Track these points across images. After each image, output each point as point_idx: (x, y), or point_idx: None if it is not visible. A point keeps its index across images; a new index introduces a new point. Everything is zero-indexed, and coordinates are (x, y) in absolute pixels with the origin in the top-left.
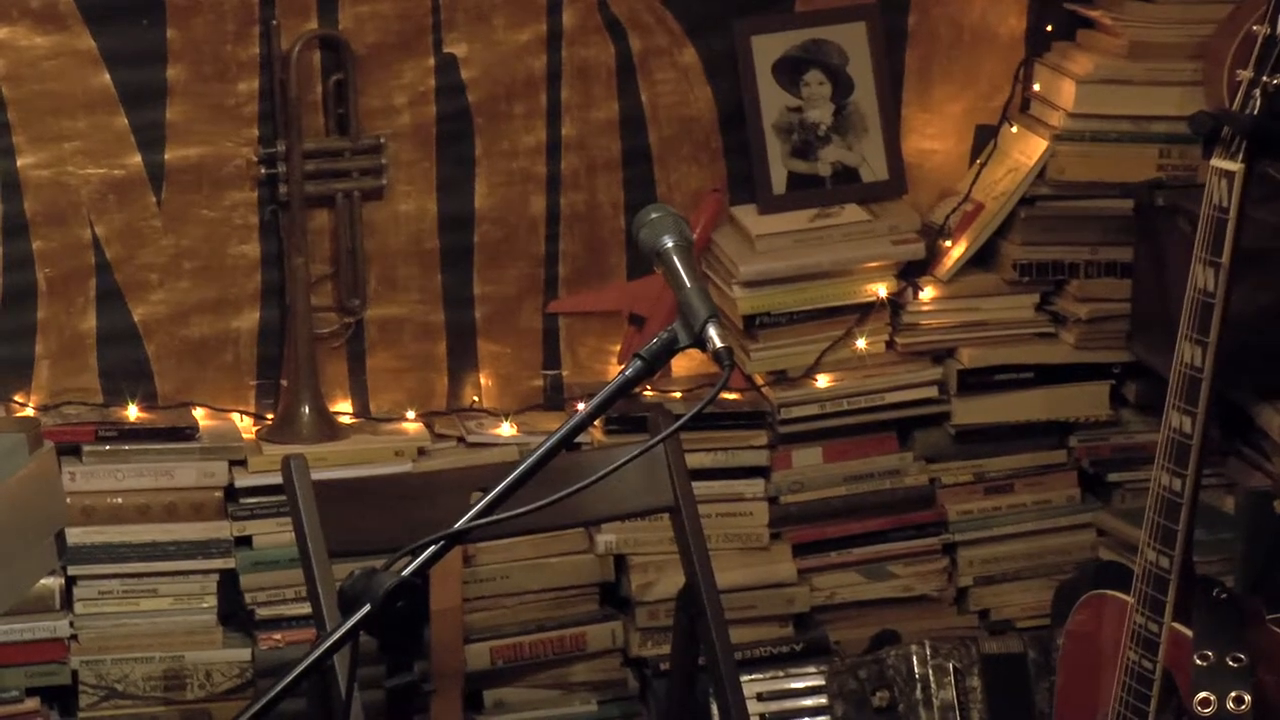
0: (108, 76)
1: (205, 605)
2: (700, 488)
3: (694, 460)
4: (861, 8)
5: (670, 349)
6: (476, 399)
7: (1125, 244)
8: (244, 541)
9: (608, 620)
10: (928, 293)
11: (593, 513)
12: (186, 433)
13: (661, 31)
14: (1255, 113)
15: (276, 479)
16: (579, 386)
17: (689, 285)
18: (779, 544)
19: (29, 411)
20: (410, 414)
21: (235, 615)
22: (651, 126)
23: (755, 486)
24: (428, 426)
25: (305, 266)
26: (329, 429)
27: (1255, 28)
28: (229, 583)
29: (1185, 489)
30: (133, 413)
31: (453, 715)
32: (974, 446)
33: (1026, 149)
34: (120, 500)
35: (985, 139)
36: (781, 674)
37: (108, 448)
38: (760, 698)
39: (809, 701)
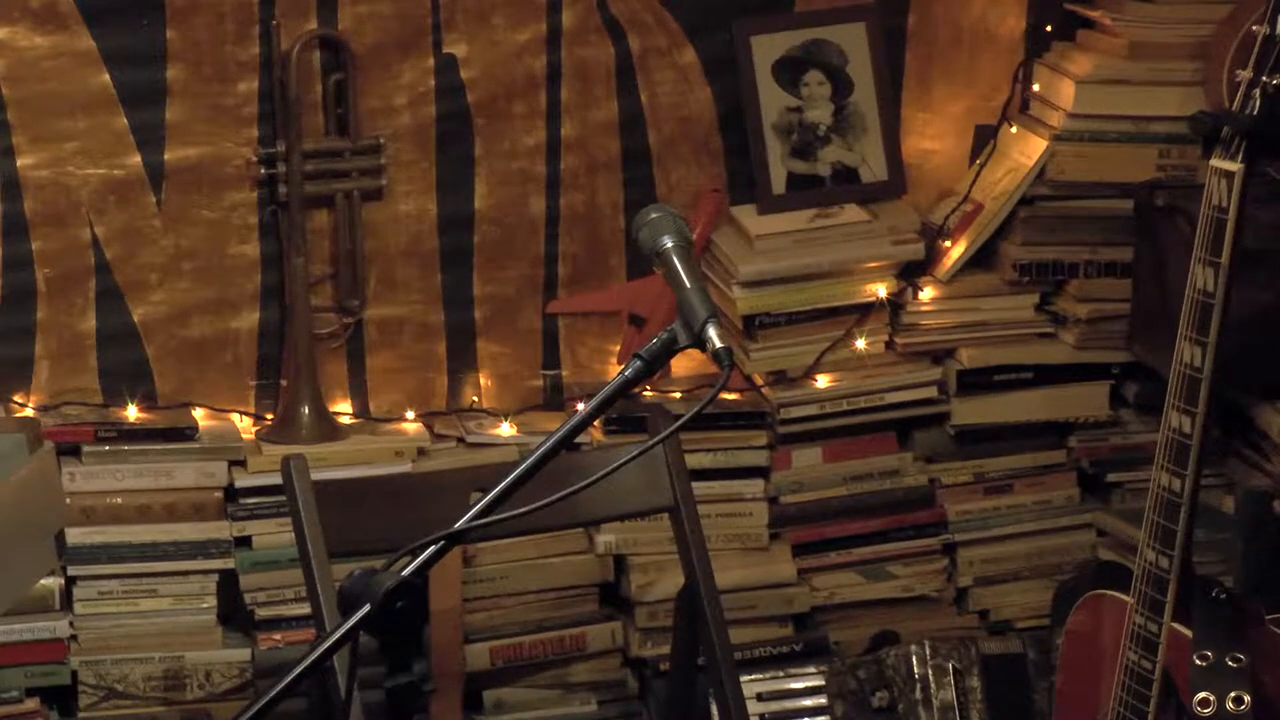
0: (107, 77)
1: (205, 605)
2: (700, 488)
3: (694, 460)
4: (861, 8)
5: (670, 349)
6: (476, 399)
7: (1125, 244)
8: (244, 542)
9: (608, 620)
10: (927, 293)
11: (592, 513)
12: (186, 433)
13: (661, 32)
14: (1255, 113)
15: (276, 479)
16: (579, 387)
17: (688, 285)
18: (779, 544)
19: (29, 411)
20: (410, 414)
21: (235, 615)
22: (651, 127)
23: (755, 487)
24: (427, 427)
25: (305, 267)
26: (329, 429)
27: (1255, 28)
28: (229, 583)
29: (1185, 489)
30: (132, 413)
31: (452, 715)
32: (973, 447)
33: (1026, 149)
34: (120, 500)
35: (985, 139)
36: (781, 674)
37: (107, 448)
38: (760, 698)
39: (809, 702)
